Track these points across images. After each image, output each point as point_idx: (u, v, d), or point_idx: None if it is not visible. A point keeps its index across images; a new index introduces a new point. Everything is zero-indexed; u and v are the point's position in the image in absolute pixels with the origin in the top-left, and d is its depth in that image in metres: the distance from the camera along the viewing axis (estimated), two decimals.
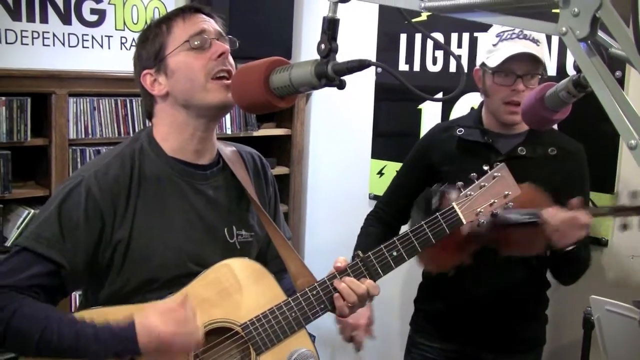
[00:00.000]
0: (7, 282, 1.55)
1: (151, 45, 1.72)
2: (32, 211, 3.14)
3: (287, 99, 1.42)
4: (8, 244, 3.12)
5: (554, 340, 2.80)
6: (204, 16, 1.75)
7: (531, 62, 2.26)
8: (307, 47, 4.02)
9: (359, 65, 1.30)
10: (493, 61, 2.27)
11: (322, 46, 1.32)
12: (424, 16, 3.36)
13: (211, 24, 1.74)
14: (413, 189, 2.41)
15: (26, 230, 1.66)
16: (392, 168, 3.54)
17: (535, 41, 2.30)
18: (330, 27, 1.32)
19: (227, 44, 1.74)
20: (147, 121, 3.37)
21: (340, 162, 3.93)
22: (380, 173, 3.62)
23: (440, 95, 3.26)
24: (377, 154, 3.66)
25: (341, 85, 1.34)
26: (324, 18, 1.31)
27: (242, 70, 1.46)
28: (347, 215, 3.86)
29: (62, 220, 1.62)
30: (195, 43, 1.69)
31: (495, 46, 2.30)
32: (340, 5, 1.32)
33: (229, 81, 1.69)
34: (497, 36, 2.31)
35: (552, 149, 2.37)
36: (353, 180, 3.80)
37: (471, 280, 2.30)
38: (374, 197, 3.65)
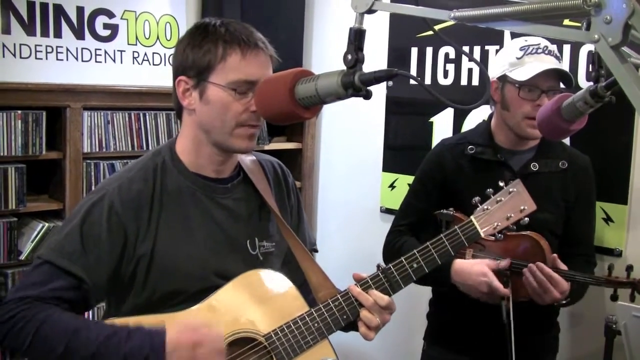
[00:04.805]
0: (31, 293, 1.56)
1: (201, 56, 1.67)
2: (46, 225, 3.16)
3: (312, 109, 1.43)
4: (22, 257, 3.12)
5: (571, 350, 2.81)
6: (262, 57, 1.70)
7: (555, 78, 2.28)
8: (317, 61, 4.04)
9: (387, 75, 1.31)
10: (520, 75, 2.27)
11: (349, 56, 1.33)
12: None
13: (264, 72, 1.69)
14: (428, 207, 2.41)
15: (49, 243, 1.66)
16: (404, 181, 3.56)
17: (558, 57, 2.33)
18: (357, 37, 1.33)
19: None
20: (161, 136, 3.45)
21: (352, 176, 3.94)
22: (392, 186, 3.63)
23: (451, 109, 3.31)
24: (388, 167, 3.67)
25: (367, 96, 1.35)
26: (351, 29, 1.33)
27: (268, 81, 1.47)
28: (358, 229, 3.87)
29: (84, 234, 1.62)
30: (242, 90, 1.65)
31: (519, 59, 2.30)
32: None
33: (256, 130, 1.70)
34: (521, 49, 2.31)
35: (563, 162, 2.39)
36: (364, 194, 3.81)
37: None
38: (386, 211, 3.66)
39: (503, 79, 2.34)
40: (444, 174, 2.49)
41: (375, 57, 3.63)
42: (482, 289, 2.20)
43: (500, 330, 2.17)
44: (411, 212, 2.58)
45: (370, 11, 1.32)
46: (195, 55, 1.69)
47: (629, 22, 0.95)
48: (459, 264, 2.26)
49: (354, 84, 1.32)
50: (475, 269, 2.23)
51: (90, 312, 3.13)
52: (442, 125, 3.40)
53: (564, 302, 2.24)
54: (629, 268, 2.15)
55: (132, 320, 1.61)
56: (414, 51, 3.49)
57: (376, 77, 1.31)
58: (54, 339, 1.52)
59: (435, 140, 3.39)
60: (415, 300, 2.70)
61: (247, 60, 1.67)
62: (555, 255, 2.22)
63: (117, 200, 1.65)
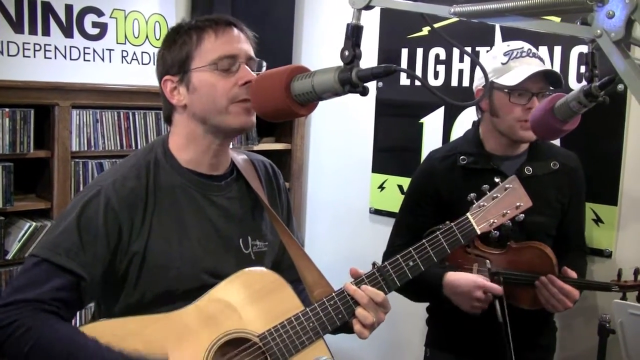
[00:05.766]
0: (29, 295, 1.52)
1: (177, 52, 1.69)
2: (34, 224, 3.12)
3: (307, 106, 1.42)
4: (9, 257, 3.09)
5: (565, 349, 2.82)
6: (236, 32, 1.71)
7: (544, 80, 2.28)
8: (307, 60, 4.02)
9: (384, 72, 1.31)
10: (509, 80, 2.25)
11: (346, 53, 1.33)
12: (424, 31, 3.39)
13: (242, 45, 1.70)
14: (424, 224, 2.38)
15: (43, 242, 1.63)
16: (393, 182, 3.55)
17: (542, 59, 2.33)
18: (354, 33, 1.32)
19: (255, 66, 1.72)
20: (150, 135, 3.42)
21: (341, 177, 3.93)
22: (381, 187, 3.63)
23: (442, 108, 3.32)
24: (377, 168, 3.66)
25: (364, 92, 1.35)
26: (348, 25, 1.32)
27: (263, 78, 1.46)
28: (347, 230, 3.86)
29: (81, 230, 1.59)
30: (224, 66, 1.66)
31: (505, 65, 2.29)
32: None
33: (250, 104, 1.67)
34: (505, 55, 2.31)
35: (554, 163, 2.39)
36: (353, 195, 3.80)
37: None
38: (375, 212, 3.65)
39: (492, 85, 2.31)
40: (436, 187, 2.46)
41: (365, 59, 3.61)
42: (476, 294, 2.19)
43: (498, 331, 2.17)
44: (406, 230, 2.53)
45: (368, 7, 1.31)
46: (172, 53, 1.71)
47: (631, 17, 0.95)
48: (449, 275, 2.27)
49: (351, 80, 1.32)
50: (466, 276, 2.24)
51: (78, 313, 3.11)
52: (432, 127, 3.39)
53: None
54: (637, 272, 2.17)
55: (128, 323, 1.60)
56: (404, 52, 3.48)
57: (374, 73, 1.31)
58: (54, 353, 1.50)
59: (425, 141, 3.39)
60: (410, 306, 2.69)
61: (221, 38, 1.69)
62: (565, 267, 2.24)
63: (113, 196, 1.63)
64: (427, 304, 2.66)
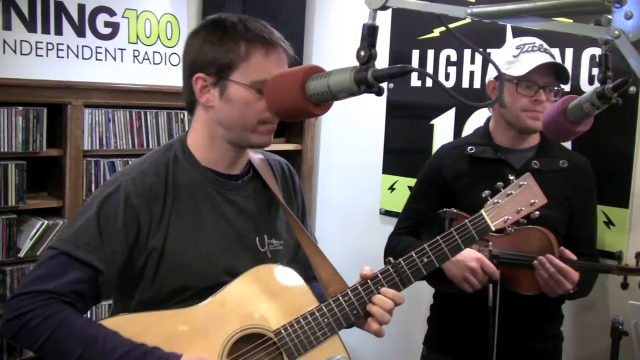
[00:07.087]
0: (47, 287, 1.54)
1: (222, 54, 1.66)
2: (46, 222, 3.14)
3: (322, 105, 1.43)
4: (21, 254, 3.11)
5: (576, 352, 2.82)
6: (283, 56, 1.71)
7: (551, 75, 2.29)
8: (318, 59, 4.02)
9: (400, 72, 1.31)
10: (517, 71, 2.28)
11: (362, 53, 1.33)
12: (435, 33, 3.40)
13: (285, 68, 1.69)
14: (428, 210, 2.43)
15: (61, 235, 1.64)
16: (404, 183, 3.55)
17: (552, 56, 2.35)
18: (370, 33, 1.33)
19: None
20: (161, 134, 3.44)
21: (351, 178, 3.93)
22: (392, 188, 3.63)
23: (453, 110, 3.32)
24: (388, 169, 3.67)
25: (380, 92, 1.35)
26: (364, 25, 1.33)
27: (278, 77, 1.46)
28: (357, 231, 3.87)
29: (101, 224, 1.61)
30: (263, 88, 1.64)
31: (516, 57, 2.32)
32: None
33: (274, 125, 1.71)
34: (517, 48, 2.34)
35: (563, 162, 2.40)
36: (364, 196, 3.81)
37: (483, 297, 2.28)
38: (385, 213, 3.66)
39: (501, 77, 2.33)
40: (443, 177, 2.50)
41: (377, 60, 3.62)
42: (471, 264, 2.19)
43: (487, 315, 2.17)
44: (411, 215, 2.59)
45: (384, 7, 1.32)
46: (215, 52, 1.66)
47: None
48: None
49: (367, 80, 1.32)
50: (468, 250, 2.17)
51: (94, 310, 3.13)
52: (442, 128, 3.40)
53: (571, 291, 2.22)
54: (638, 255, 2.14)
55: (145, 318, 1.62)
56: (415, 54, 3.49)
57: (389, 74, 1.31)
58: (70, 343, 1.51)
59: (436, 142, 3.40)
60: (414, 303, 2.69)
61: (271, 60, 1.67)
62: (562, 248, 2.22)
63: (132, 191, 1.65)
64: (431, 302, 2.67)
